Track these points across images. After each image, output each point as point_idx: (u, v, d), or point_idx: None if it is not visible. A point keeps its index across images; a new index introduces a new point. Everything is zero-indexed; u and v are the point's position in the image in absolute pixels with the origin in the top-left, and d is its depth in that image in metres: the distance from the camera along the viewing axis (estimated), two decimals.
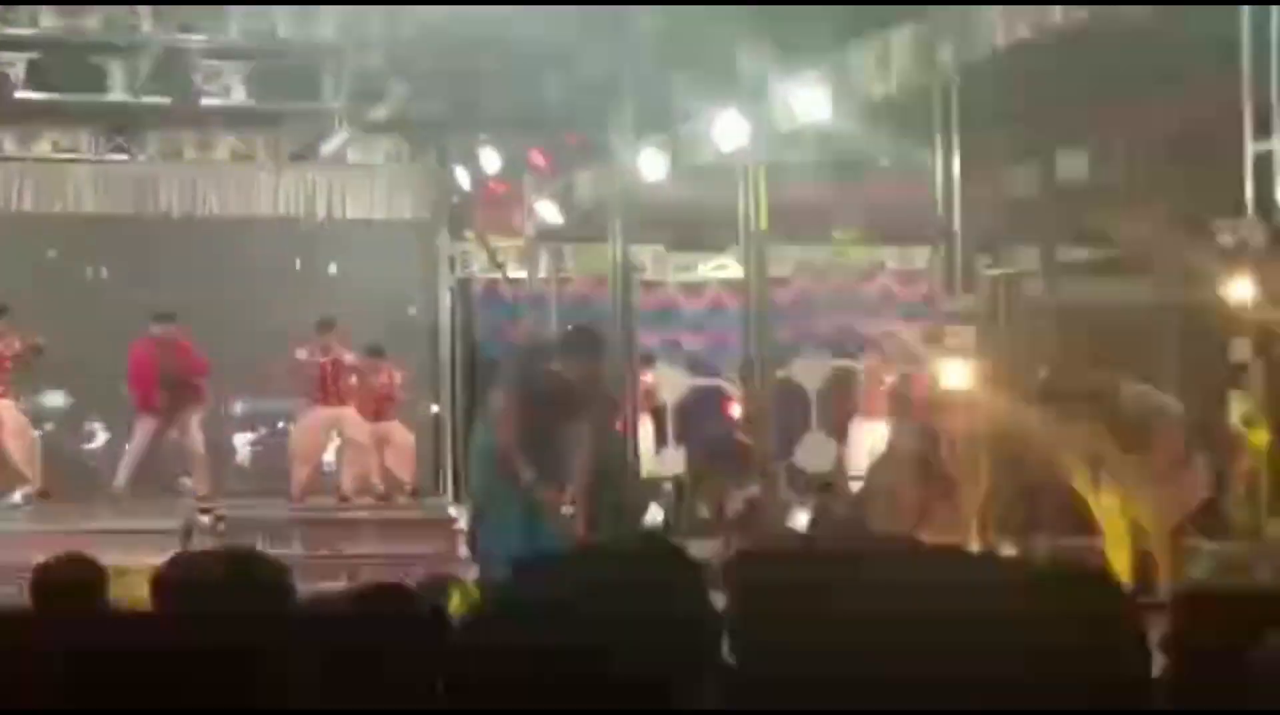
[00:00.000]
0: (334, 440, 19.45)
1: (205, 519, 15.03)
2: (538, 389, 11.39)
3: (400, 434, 19.85)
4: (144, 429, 18.42)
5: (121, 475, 18.49)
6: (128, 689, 3.44)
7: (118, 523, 15.86)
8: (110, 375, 19.86)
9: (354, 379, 18.90)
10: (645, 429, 20.74)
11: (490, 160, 20.32)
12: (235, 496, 19.17)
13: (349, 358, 18.87)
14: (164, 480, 19.07)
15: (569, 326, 14.88)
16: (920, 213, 16.23)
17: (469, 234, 21.97)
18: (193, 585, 3.92)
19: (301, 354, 18.92)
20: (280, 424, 21.68)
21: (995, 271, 20.49)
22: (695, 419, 20.61)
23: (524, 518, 10.89)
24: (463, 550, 14.18)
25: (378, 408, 19.50)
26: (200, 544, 13.60)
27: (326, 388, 18.77)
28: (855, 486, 17.96)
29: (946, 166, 13.56)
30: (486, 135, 20.21)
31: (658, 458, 20.23)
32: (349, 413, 18.93)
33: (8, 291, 19.31)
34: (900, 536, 11.26)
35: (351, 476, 19.36)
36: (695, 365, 22.60)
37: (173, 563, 4.12)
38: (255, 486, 20.92)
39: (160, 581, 3.97)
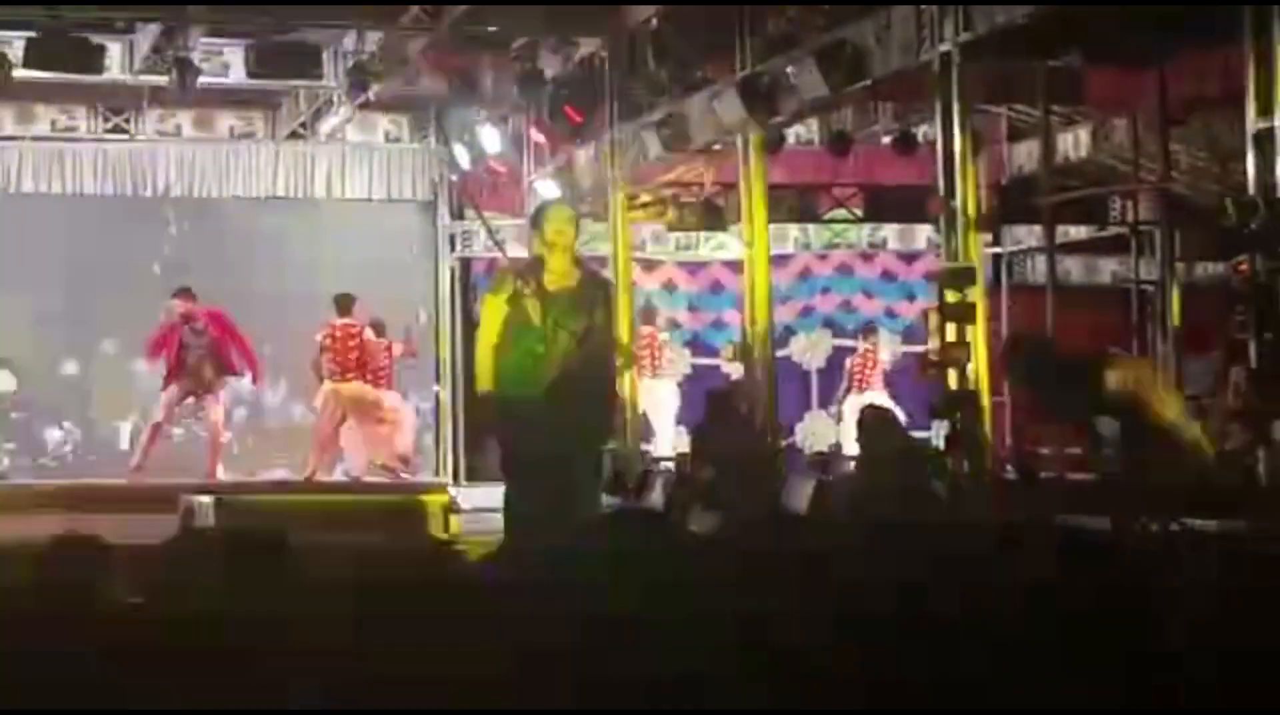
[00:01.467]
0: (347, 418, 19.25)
1: (205, 499, 14.95)
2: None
3: (402, 407, 19.82)
4: (164, 403, 18.44)
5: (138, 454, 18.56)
6: (128, 674, 3.43)
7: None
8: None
9: (358, 353, 18.77)
10: (663, 402, 20.81)
11: (490, 139, 20.31)
12: (235, 477, 19.16)
13: (360, 330, 18.79)
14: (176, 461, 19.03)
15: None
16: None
17: (469, 213, 21.94)
18: (193, 566, 3.90)
19: (319, 337, 18.75)
20: (279, 404, 21.74)
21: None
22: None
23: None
24: (463, 529, 14.19)
25: (377, 381, 19.45)
26: (201, 524, 13.58)
27: (337, 361, 18.67)
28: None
29: (947, 143, 13.51)
30: (486, 113, 20.22)
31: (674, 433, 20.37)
32: (358, 388, 18.82)
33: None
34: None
35: (360, 456, 19.34)
36: (694, 344, 22.64)
37: (173, 543, 4.10)
38: (255, 466, 20.95)
39: (162, 560, 3.95)
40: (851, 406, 19.52)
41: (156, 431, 18.48)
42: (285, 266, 21.49)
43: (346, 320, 18.72)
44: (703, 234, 21.96)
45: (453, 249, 22.30)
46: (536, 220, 10.25)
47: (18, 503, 15.87)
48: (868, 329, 22.08)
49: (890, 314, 22.89)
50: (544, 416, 9.65)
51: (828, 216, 23.04)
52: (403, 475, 18.89)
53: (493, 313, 9.99)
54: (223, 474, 18.57)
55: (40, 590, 4.74)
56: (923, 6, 13.28)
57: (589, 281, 10.10)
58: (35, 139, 21.07)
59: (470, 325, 21.52)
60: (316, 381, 19.00)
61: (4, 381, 20.78)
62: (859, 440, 12.96)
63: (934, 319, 13.79)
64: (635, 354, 19.19)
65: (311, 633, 3.40)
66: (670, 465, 17.85)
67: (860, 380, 21.34)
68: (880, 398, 19.76)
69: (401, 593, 3.35)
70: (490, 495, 11.82)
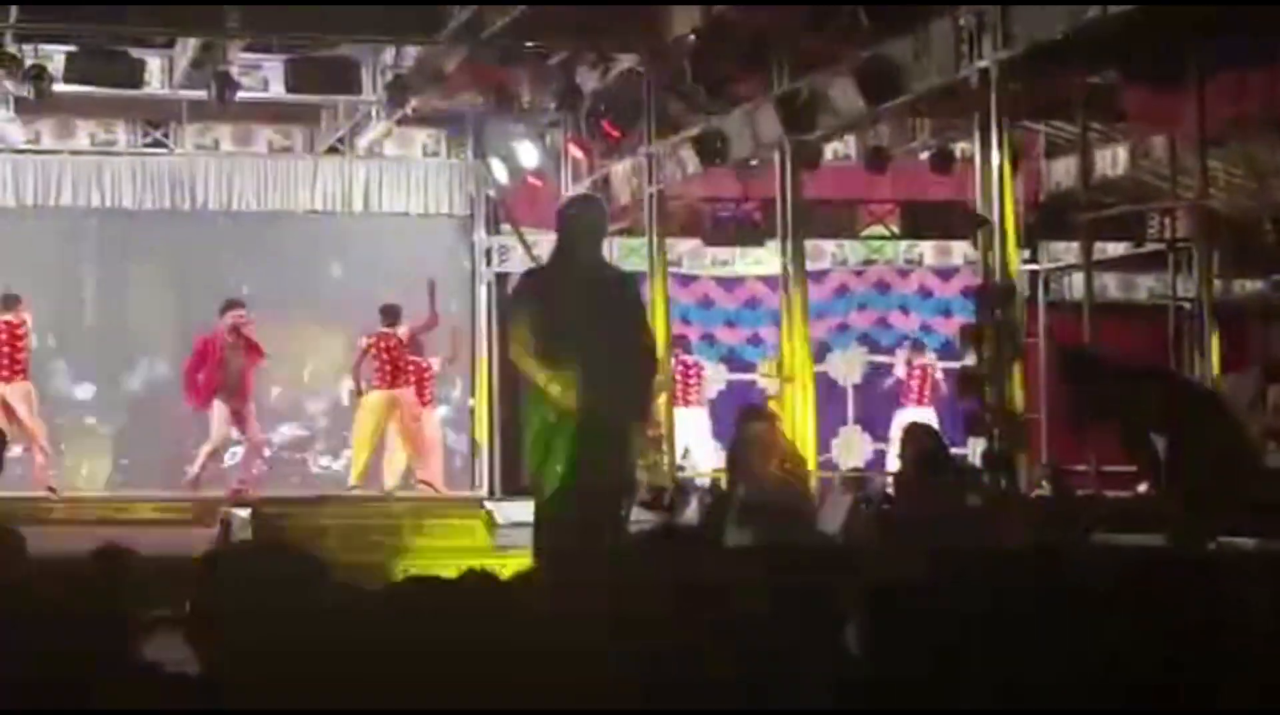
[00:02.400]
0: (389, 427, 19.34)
1: (243, 512, 14.98)
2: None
3: (431, 424, 19.88)
4: (219, 418, 18.62)
5: (196, 466, 18.74)
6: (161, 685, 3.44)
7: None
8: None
9: (403, 361, 18.92)
10: (699, 421, 20.81)
11: (528, 154, 20.32)
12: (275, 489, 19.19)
13: (403, 332, 18.99)
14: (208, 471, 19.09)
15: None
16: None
17: (505, 227, 21.95)
18: (230, 579, 3.90)
19: (363, 342, 19.02)
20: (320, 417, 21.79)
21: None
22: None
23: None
24: (499, 543, 14.19)
25: (420, 395, 19.57)
26: (238, 537, 13.60)
27: (384, 369, 18.88)
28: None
29: (986, 159, 13.47)
30: (524, 128, 20.25)
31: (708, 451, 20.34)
32: (404, 400, 19.00)
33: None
34: None
35: (393, 469, 19.38)
36: (730, 359, 22.62)
37: (211, 556, 4.10)
38: (295, 477, 21.00)
39: (199, 574, 3.95)
40: (899, 421, 19.56)
41: (216, 450, 18.72)
42: (321, 281, 21.51)
43: (389, 329, 18.87)
44: (739, 249, 21.95)
45: (489, 264, 22.29)
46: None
47: (56, 517, 15.94)
48: (917, 346, 22.15)
49: (926, 330, 22.84)
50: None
51: (865, 233, 23.02)
52: (440, 489, 18.93)
53: None
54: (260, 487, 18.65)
55: (77, 603, 4.75)
56: (961, 23, 13.25)
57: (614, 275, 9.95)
58: (74, 153, 21.13)
59: (505, 340, 21.55)
60: (355, 388, 19.19)
61: (84, 392, 20.99)
62: (900, 456, 12.95)
63: (970, 336, 13.76)
64: (672, 377, 19.19)
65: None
66: (706, 482, 17.84)
67: (918, 395, 21.49)
68: (925, 414, 19.80)
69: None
70: (527, 509, 11.81)
